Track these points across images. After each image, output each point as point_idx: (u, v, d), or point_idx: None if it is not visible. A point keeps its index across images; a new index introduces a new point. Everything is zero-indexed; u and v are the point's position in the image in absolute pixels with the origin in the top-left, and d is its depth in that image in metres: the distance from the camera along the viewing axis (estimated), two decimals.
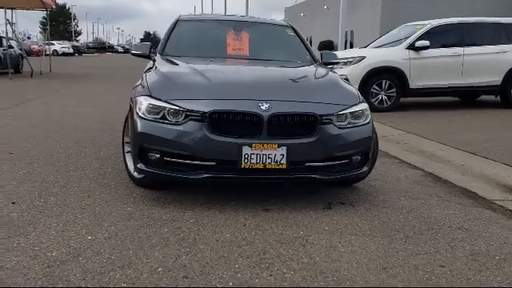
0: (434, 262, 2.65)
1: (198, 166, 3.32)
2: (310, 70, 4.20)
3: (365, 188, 4.04)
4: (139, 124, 3.39)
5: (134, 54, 4.80)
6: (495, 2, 36.14)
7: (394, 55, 9.24)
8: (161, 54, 4.53)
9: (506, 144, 5.99)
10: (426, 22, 9.65)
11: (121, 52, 74.41)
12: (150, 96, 3.44)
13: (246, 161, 3.21)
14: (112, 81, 15.73)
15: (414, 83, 9.12)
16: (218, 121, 3.23)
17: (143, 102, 3.44)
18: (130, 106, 3.65)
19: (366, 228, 3.13)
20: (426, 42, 9.07)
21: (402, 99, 9.35)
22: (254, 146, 3.20)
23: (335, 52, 6.97)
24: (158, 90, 3.50)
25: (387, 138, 6.40)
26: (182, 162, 3.34)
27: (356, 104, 3.57)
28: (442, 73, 9.24)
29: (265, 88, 3.58)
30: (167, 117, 3.33)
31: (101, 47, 73.49)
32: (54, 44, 43.83)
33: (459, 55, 9.30)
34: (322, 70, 4.19)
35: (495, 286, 2.41)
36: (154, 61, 4.42)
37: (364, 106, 3.61)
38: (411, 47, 9.17)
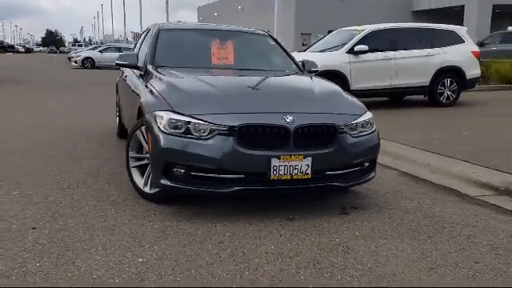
0: (468, 258, 2.93)
1: (225, 179, 3.36)
2: (309, 80, 4.35)
3: (361, 190, 4.28)
4: (163, 139, 3.36)
5: (119, 65, 4.68)
6: (397, 6, 38.71)
7: (335, 59, 9.69)
8: (152, 65, 4.46)
9: (452, 141, 6.56)
10: (363, 27, 10.24)
11: (22, 52, 69.67)
12: (173, 111, 3.41)
13: (274, 172, 3.31)
14: (35, 85, 14.83)
15: (355, 85, 9.63)
16: (247, 134, 3.30)
17: (164, 117, 3.41)
18: (146, 121, 3.55)
19: (389, 231, 3.35)
20: (365, 47, 9.63)
21: None
22: (282, 157, 3.31)
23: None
24: (179, 104, 3.48)
25: None
26: (209, 176, 3.36)
27: (364, 113, 3.79)
28: (378, 75, 9.86)
29: (283, 100, 3.69)
30: (192, 131, 3.33)
31: None
32: None
33: (393, 59, 9.99)
34: (320, 81, 4.37)
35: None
36: (147, 71, 4.35)
37: (370, 115, 3.84)
38: (351, 51, 9.69)
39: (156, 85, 3.91)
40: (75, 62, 27.33)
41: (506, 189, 4.48)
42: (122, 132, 6.09)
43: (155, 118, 3.46)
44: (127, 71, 5.11)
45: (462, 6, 33.52)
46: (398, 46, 10.10)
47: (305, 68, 5.01)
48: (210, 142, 3.30)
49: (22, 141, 6.06)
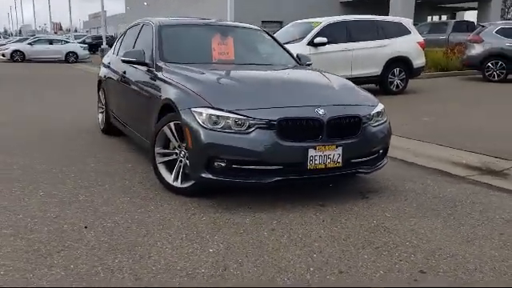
0: (492, 231, 3.33)
1: (265, 170, 3.55)
2: (320, 74, 4.59)
3: (366, 176, 4.60)
4: (205, 135, 3.49)
5: (126, 61, 4.69)
6: None
7: (297, 51, 9.98)
8: (163, 61, 4.50)
9: (417, 127, 7.09)
10: (321, 20, 10.65)
11: None
12: (212, 107, 3.54)
13: (311, 162, 3.55)
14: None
15: None
16: (286, 127, 3.50)
17: (204, 113, 3.53)
18: (182, 118, 3.64)
19: (413, 211, 3.70)
20: (325, 39, 10.02)
21: None
22: (317, 148, 3.55)
23: None
24: (217, 100, 3.61)
25: None
26: (249, 168, 3.54)
27: (378, 105, 4.11)
28: (336, 66, 10.23)
29: (309, 94, 3.93)
30: (231, 126, 3.49)
31: None
32: None
33: (349, 50, 10.47)
34: (329, 74, 4.62)
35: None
36: (158, 68, 4.41)
37: (382, 106, 4.16)
38: (311, 43, 10.05)
39: (181, 81, 3.99)
40: (3, 55, 25.82)
41: (486, 168, 5.00)
42: (110, 128, 6.06)
43: (193, 114, 3.57)
44: (128, 68, 5.07)
45: None
46: (354, 38, 10.60)
47: (301, 62, 5.25)
48: (251, 135, 3.47)
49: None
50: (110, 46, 10.10)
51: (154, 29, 4.93)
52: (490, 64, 14.12)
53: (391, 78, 11.12)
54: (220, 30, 5.17)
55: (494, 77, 14.00)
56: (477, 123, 7.29)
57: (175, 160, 3.91)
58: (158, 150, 3.99)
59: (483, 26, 15.15)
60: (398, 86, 11.21)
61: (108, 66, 6.05)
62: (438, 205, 3.85)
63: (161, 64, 4.46)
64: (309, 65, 5.28)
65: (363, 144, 3.80)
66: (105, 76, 6.15)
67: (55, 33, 66.89)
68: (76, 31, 78.03)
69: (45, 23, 67.32)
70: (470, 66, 14.85)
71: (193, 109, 3.60)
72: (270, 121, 3.48)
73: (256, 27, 5.71)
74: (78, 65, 24.73)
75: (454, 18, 48.35)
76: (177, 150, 3.90)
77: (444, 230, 3.32)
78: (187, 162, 3.74)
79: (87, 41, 37.58)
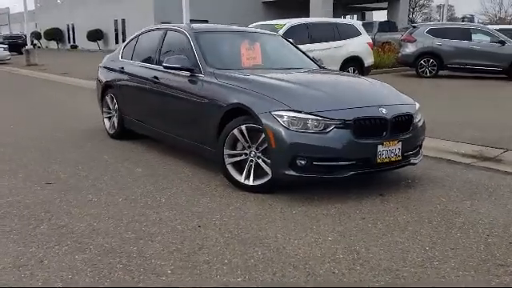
0: None
1: (341, 165, 3.93)
2: (357, 76, 5.04)
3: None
4: (289, 136, 3.81)
5: (169, 68, 4.82)
6: None
7: None
8: (210, 67, 4.70)
9: None
10: (284, 22, 11.12)
11: None
12: (292, 110, 3.86)
13: (379, 156, 3.99)
14: None
15: None
16: (359, 126, 3.91)
17: (285, 116, 3.84)
18: (262, 121, 3.91)
19: (460, 195, 4.21)
20: (291, 40, 10.48)
21: None
22: (384, 143, 3.99)
23: None
24: (293, 103, 3.93)
25: None
26: (328, 164, 3.90)
27: (415, 103, 4.62)
28: None
29: (368, 95, 4.35)
30: (310, 127, 3.83)
31: None
32: None
33: (311, 50, 10.98)
34: (363, 77, 5.08)
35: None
36: (208, 73, 4.61)
37: (418, 105, 4.68)
38: None
39: (248, 86, 4.24)
40: None
41: (481, 156, 5.72)
42: (124, 133, 6.10)
43: (275, 117, 3.85)
44: (162, 74, 5.15)
45: None
46: (315, 39, 11.21)
47: (319, 64, 5.67)
48: (329, 134, 3.83)
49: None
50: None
51: (190, 36, 5.08)
52: (422, 61, 15.46)
53: None
54: (247, 37, 5.45)
55: (426, 73, 15.35)
56: (426, 114, 8.12)
57: (244, 160, 4.16)
58: (227, 151, 4.21)
59: (415, 27, 16.49)
60: None
61: (121, 71, 6.04)
62: (473, 189, 4.40)
63: (211, 70, 4.65)
64: (322, 67, 5.70)
65: (414, 138, 4.31)
66: (116, 81, 6.14)
67: None
68: None
69: None
70: (404, 63, 16.14)
71: (274, 112, 3.88)
72: (346, 121, 3.87)
73: (274, 33, 6.03)
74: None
75: (364, 18, 51.22)
76: (246, 151, 4.15)
77: (502, 209, 3.88)
78: (260, 160, 4.05)
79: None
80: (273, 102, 3.98)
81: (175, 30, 5.43)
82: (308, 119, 3.84)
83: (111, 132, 6.33)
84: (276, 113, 3.88)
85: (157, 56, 5.50)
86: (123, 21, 39.51)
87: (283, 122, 3.84)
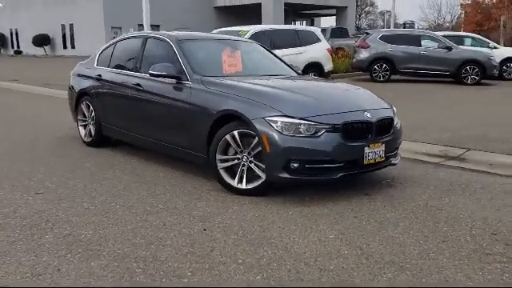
0: (505, 198, 4.31)
1: (331, 168, 4.14)
2: (338, 83, 5.28)
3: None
4: (283, 140, 3.99)
5: (156, 75, 4.89)
6: (200, 2, 40.54)
7: None
8: (196, 74, 4.80)
9: None
10: (248, 28, 11.32)
11: None
12: (285, 115, 4.04)
13: (366, 158, 4.23)
14: None
15: None
16: (347, 130, 4.13)
17: (279, 121, 4.01)
18: (255, 126, 4.06)
19: (438, 191, 4.54)
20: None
21: None
22: (370, 146, 4.24)
23: None
24: (286, 109, 4.10)
25: None
26: (319, 166, 4.10)
27: (392, 107, 4.91)
28: None
29: (351, 100, 4.58)
30: (302, 131, 4.03)
31: None
32: None
33: None
34: (342, 83, 5.33)
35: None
36: (195, 80, 4.71)
37: (395, 108, 4.97)
38: None
39: (237, 92, 4.38)
40: None
41: (447, 155, 6.11)
42: (101, 141, 6.09)
43: (268, 122, 4.02)
44: (144, 81, 5.20)
45: (259, 4, 36.99)
46: (277, 45, 11.45)
47: (297, 71, 5.89)
48: (321, 138, 4.04)
49: None
50: None
51: (173, 43, 5.16)
52: (376, 66, 16.10)
53: None
54: (227, 44, 5.59)
55: (379, 78, 15.99)
56: None
57: (236, 165, 4.30)
58: (219, 156, 4.33)
59: (368, 33, 17.14)
60: None
61: (98, 79, 6.02)
62: (455, 187, 4.68)
63: (198, 77, 4.75)
64: (299, 74, 5.92)
65: (394, 140, 4.60)
66: (92, 89, 6.10)
67: None
68: None
69: None
70: (359, 68, 16.74)
71: (267, 118, 4.05)
72: (336, 125, 4.08)
73: (250, 40, 6.19)
74: None
75: (313, 24, 52.38)
76: (239, 155, 4.29)
77: (477, 203, 4.21)
78: (253, 165, 4.21)
79: None
80: (265, 107, 4.14)
81: (156, 38, 5.49)
82: (300, 124, 4.02)
83: (87, 140, 6.29)
84: (270, 118, 4.04)
85: (138, 64, 5.54)
86: (71, 25, 38.58)
87: (277, 127, 4.00)
